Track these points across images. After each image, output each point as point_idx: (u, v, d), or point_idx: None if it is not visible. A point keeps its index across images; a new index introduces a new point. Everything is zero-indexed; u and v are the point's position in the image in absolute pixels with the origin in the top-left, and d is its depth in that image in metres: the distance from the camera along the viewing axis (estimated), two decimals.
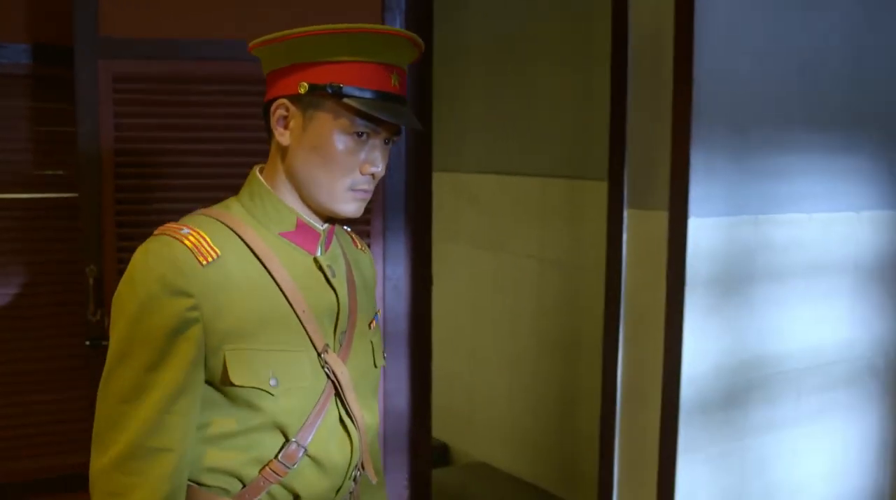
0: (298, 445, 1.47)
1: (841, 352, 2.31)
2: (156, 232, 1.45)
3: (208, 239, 1.43)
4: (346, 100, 1.42)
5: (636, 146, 2.13)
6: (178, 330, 1.40)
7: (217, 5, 2.66)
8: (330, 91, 1.42)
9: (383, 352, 1.65)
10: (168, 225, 1.45)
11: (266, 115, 1.49)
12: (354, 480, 1.56)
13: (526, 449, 3.62)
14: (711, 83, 2.00)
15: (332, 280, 1.52)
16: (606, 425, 2.22)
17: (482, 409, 3.78)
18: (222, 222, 1.48)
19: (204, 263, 1.41)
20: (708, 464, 2.11)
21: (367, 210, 2.85)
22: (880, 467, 2.44)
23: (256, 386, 1.43)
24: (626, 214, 2.16)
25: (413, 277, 2.96)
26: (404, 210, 2.91)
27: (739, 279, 2.09)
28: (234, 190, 2.68)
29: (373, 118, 1.43)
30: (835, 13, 2.19)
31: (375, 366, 1.62)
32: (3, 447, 2.83)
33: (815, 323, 2.25)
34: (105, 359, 1.59)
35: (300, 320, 1.48)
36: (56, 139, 2.85)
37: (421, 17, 2.92)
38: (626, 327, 2.18)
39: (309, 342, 1.48)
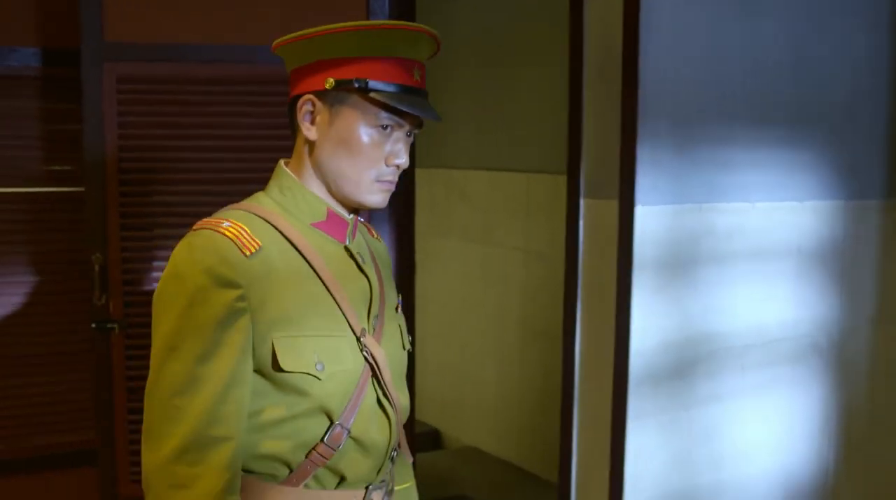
0: (342, 427, 1.50)
1: (785, 331, 2.50)
2: (194, 227, 1.49)
3: (248, 231, 1.47)
4: (371, 94, 1.46)
5: (591, 142, 2.33)
6: (228, 320, 1.43)
7: (215, 11, 2.86)
8: (356, 86, 1.47)
9: (408, 337, 1.70)
10: (206, 220, 1.49)
11: (291, 111, 1.54)
12: (392, 460, 1.61)
13: (512, 433, 3.76)
14: (657, 84, 2.19)
15: (364, 266, 1.58)
16: (566, 395, 2.41)
17: (472, 396, 3.92)
18: (257, 215, 1.52)
19: (248, 253, 1.44)
20: (656, 430, 2.30)
21: None
22: (824, 438, 2.62)
23: (305, 371, 1.46)
24: (582, 203, 2.35)
25: (398, 264, 3.15)
26: (388, 201, 3.09)
27: (685, 262, 2.28)
28: (231, 183, 2.93)
29: (397, 111, 1.49)
30: (778, 19, 2.37)
31: (404, 348, 1.68)
32: (15, 425, 3.03)
33: (759, 303, 2.43)
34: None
35: (339, 306, 1.52)
36: (64, 137, 3.06)
37: (404, 12, 3.11)
38: (583, 307, 2.37)
39: (348, 327, 1.52)
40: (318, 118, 1.51)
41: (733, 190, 2.35)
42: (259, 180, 2.97)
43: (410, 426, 2.58)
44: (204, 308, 1.41)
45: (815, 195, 2.49)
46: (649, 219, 2.21)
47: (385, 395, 1.56)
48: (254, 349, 1.44)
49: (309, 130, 1.52)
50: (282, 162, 1.61)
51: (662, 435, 2.31)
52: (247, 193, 2.76)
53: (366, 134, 1.50)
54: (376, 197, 1.52)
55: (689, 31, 2.22)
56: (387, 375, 1.56)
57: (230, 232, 1.45)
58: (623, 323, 2.22)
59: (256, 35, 2.87)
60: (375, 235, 1.76)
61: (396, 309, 1.68)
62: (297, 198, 1.55)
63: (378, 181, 1.51)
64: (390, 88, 1.48)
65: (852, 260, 2.60)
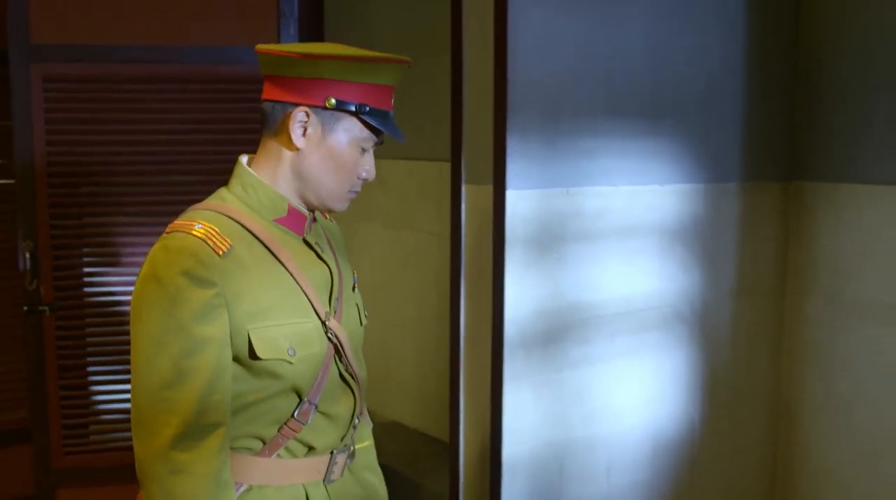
0: (311, 403, 1.67)
1: (650, 301, 2.78)
2: (168, 230, 1.60)
3: (218, 231, 1.58)
4: (366, 118, 1.65)
5: (470, 132, 2.60)
6: (207, 317, 1.54)
7: (138, 13, 3.08)
8: (355, 110, 1.64)
9: (365, 313, 1.87)
10: (178, 223, 1.60)
11: (270, 112, 1.66)
12: (354, 427, 1.79)
13: (429, 407, 3.99)
14: (526, 81, 2.46)
15: (322, 255, 1.74)
16: (453, 362, 2.68)
17: (395, 373, 4.14)
18: (224, 214, 1.63)
19: (220, 253, 1.56)
20: (531, 391, 2.57)
21: None
22: (689, 397, 2.91)
23: (279, 358, 1.61)
24: (463, 188, 2.62)
25: None
26: None
27: (553, 240, 2.55)
28: (155, 175, 3.17)
29: (378, 133, 1.69)
30: (638, 24, 2.65)
31: (361, 324, 1.85)
32: None
33: (626, 277, 2.72)
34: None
35: (305, 295, 1.67)
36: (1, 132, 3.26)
37: (313, 23, 3.36)
38: (466, 282, 2.64)
39: (314, 313, 1.68)
40: (309, 130, 1.65)
41: (598, 175, 2.62)
42: (183, 172, 3.25)
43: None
44: (185, 307, 1.53)
45: (675, 179, 2.77)
46: (520, 202, 2.48)
47: (347, 370, 1.75)
48: (231, 340, 1.58)
49: (298, 140, 1.64)
50: (242, 160, 1.72)
51: (537, 395, 2.59)
52: (170, 184, 3.10)
53: (353, 152, 1.68)
54: (344, 204, 1.72)
55: (556, 34, 2.50)
56: (349, 352, 1.73)
57: (202, 234, 1.56)
58: (498, 295, 2.50)
59: (179, 36, 3.11)
60: (328, 217, 1.92)
61: (353, 288, 1.86)
62: (259, 195, 1.68)
63: (350, 191, 1.71)
64: (379, 114, 1.67)
65: (713, 238, 2.89)
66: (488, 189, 2.53)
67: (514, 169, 2.46)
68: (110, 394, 3.19)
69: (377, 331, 4.19)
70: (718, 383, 2.96)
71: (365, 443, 1.95)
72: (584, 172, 2.60)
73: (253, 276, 1.61)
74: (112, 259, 3.13)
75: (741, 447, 3.04)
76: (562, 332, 2.61)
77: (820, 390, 3.00)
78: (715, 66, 2.82)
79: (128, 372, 3.14)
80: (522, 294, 2.51)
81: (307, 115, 1.64)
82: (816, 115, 2.96)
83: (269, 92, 1.67)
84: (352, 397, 1.77)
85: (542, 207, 2.53)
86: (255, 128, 3.25)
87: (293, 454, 1.70)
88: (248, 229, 1.64)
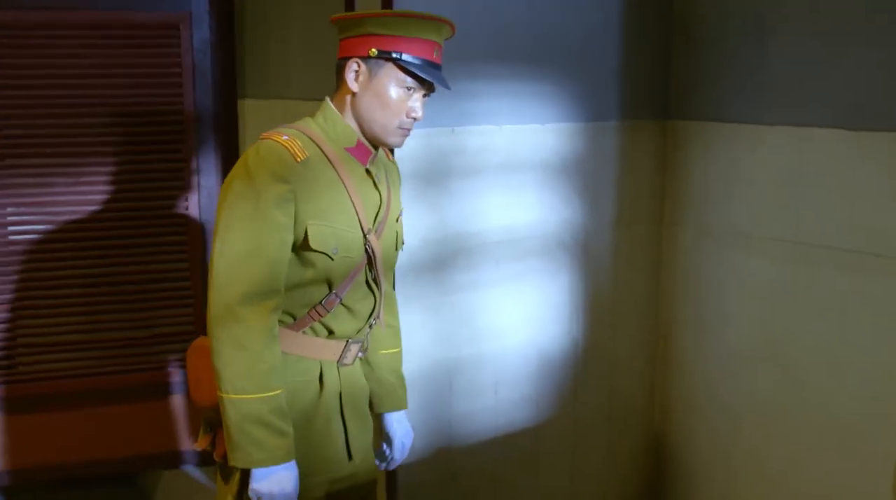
0: (337, 296, 2.13)
1: (533, 231, 3.02)
2: (262, 137, 2.07)
3: (300, 144, 2.04)
4: (403, 63, 2.05)
5: None
6: (281, 206, 2.00)
7: None
8: (393, 56, 2.05)
9: (402, 240, 2.32)
10: (270, 133, 2.07)
11: (339, 67, 2.11)
12: (370, 326, 2.24)
13: None
14: None
15: (378, 184, 2.18)
16: None
17: None
18: (306, 134, 2.09)
19: (298, 160, 2.01)
20: (422, 312, 2.82)
21: (181, 130, 3.50)
22: (573, 318, 3.18)
23: (324, 251, 2.06)
24: None
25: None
26: (213, 129, 3.53)
27: (439, 175, 2.78)
28: (65, 118, 3.32)
29: (417, 78, 2.07)
30: None
31: (396, 249, 2.29)
32: None
33: (509, 209, 2.95)
34: None
35: (356, 211, 2.11)
36: None
37: None
38: None
39: (359, 226, 2.12)
40: (360, 77, 2.08)
41: (481, 115, 2.85)
42: (84, 114, 3.41)
43: None
44: (265, 196, 1.98)
45: (556, 119, 3.01)
46: (408, 140, 2.70)
47: (374, 279, 2.18)
48: (293, 229, 2.02)
49: (353, 84, 2.08)
50: (327, 99, 2.16)
51: (427, 316, 2.84)
52: (72, 126, 3.29)
53: (394, 92, 2.07)
54: (397, 139, 2.13)
55: None
56: (379, 265, 2.17)
57: (287, 143, 2.02)
58: None
59: None
60: (391, 159, 2.32)
61: (397, 219, 2.28)
62: (336, 127, 2.12)
63: (399, 128, 2.11)
64: (416, 61, 2.06)
65: (593, 173, 3.14)
66: None
67: None
68: (37, 327, 3.39)
69: None
70: (600, 305, 3.24)
71: (393, 350, 2.44)
72: (468, 113, 2.82)
73: (319, 184, 2.05)
74: (32, 198, 3.32)
75: (622, 364, 3.33)
76: (449, 259, 2.85)
77: (692, 311, 3.30)
78: (594, 12, 3.04)
79: (53, 306, 3.36)
80: (412, 225, 2.74)
81: (358, 64, 2.08)
82: (688, 58, 3.21)
83: (339, 52, 2.12)
84: (373, 300, 2.20)
85: (429, 145, 2.76)
86: (169, 72, 3.43)
87: (316, 334, 2.15)
88: (322, 150, 2.07)
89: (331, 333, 2.17)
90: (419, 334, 2.82)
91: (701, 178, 3.20)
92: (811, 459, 2.94)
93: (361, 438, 2.27)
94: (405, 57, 2.06)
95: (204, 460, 3.74)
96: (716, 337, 3.23)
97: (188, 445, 3.81)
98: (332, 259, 2.07)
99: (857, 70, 2.69)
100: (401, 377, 2.46)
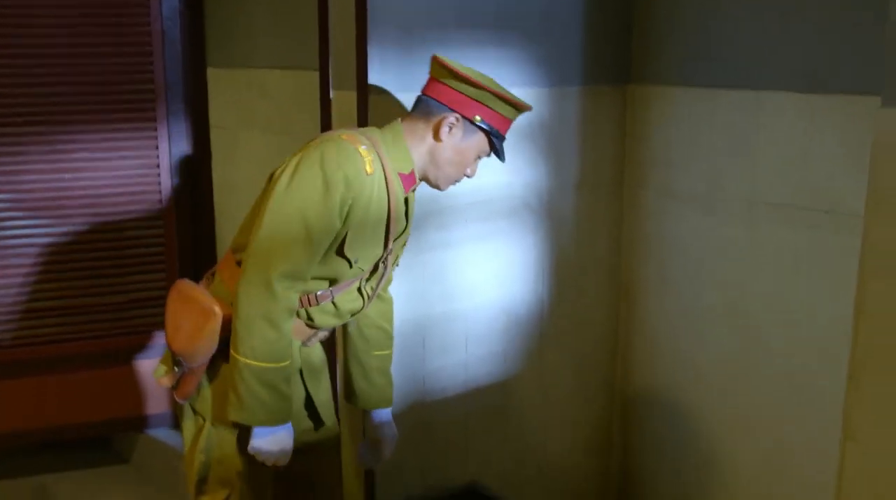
0: (331, 293, 2.32)
1: (500, 192, 3.11)
2: (344, 136, 2.21)
3: (371, 159, 2.19)
4: (495, 141, 2.32)
5: (335, 43, 2.89)
6: (341, 209, 2.16)
7: None
8: (489, 130, 2.30)
9: (398, 261, 2.52)
10: (350, 136, 2.22)
11: (425, 103, 2.31)
12: (347, 323, 2.50)
13: None
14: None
15: (408, 212, 2.37)
16: None
17: None
18: (376, 150, 2.23)
19: (367, 173, 2.17)
20: (396, 271, 2.91)
21: (151, 99, 3.55)
22: (538, 278, 3.29)
23: (350, 258, 2.25)
24: (332, 94, 2.92)
25: (194, 152, 3.65)
26: (182, 99, 3.59)
27: None
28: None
29: (496, 151, 2.34)
30: None
31: (394, 266, 2.50)
32: None
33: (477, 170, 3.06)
34: None
35: (387, 231, 2.29)
36: None
37: None
38: None
39: (383, 245, 2.32)
40: (453, 131, 2.28)
41: None
42: (55, 83, 3.46)
43: None
44: (332, 195, 2.13)
45: (520, 84, 3.09)
46: (380, 105, 2.79)
47: (367, 288, 2.42)
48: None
49: (445, 135, 2.28)
50: (400, 122, 2.35)
51: (401, 275, 2.92)
52: (44, 96, 3.35)
53: (474, 157, 2.35)
54: (447, 188, 2.40)
55: None
56: (375, 279, 2.41)
57: (364, 153, 2.18)
58: None
59: None
60: (413, 190, 2.44)
61: (404, 243, 2.49)
62: (400, 153, 2.29)
63: (456, 181, 2.39)
64: (501, 138, 2.34)
65: (557, 137, 3.24)
66: (352, 95, 2.83)
67: (375, 76, 2.77)
68: (10, 294, 3.44)
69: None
70: (565, 265, 3.35)
71: (386, 351, 2.64)
72: None
73: (372, 200, 2.21)
74: (4, 167, 3.37)
75: (586, 321, 3.46)
76: (421, 219, 2.93)
77: (654, 270, 3.43)
78: None
79: (27, 274, 3.40)
80: None
81: (457, 120, 2.28)
82: (649, 23, 3.32)
83: (433, 91, 2.32)
84: (360, 305, 2.41)
85: (400, 110, 2.84)
86: (139, 41, 3.46)
87: (299, 317, 2.34)
88: (384, 169, 2.23)
89: (310, 321, 2.37)
90: (395, 294, 2.91)
91: (661, 140, 3.32)
92: (768, 405, 3.10)
93: (321, 395, 2.53)
94: (497, 133, 2.32)
95: (178, 423, 3.81)
96: (677, 294, 3.36)
97: (163, 408, 3.89)
98: (350, 267, 2.27)
99: (811, 34, 2.82)
100: (389, 377, 2.67)
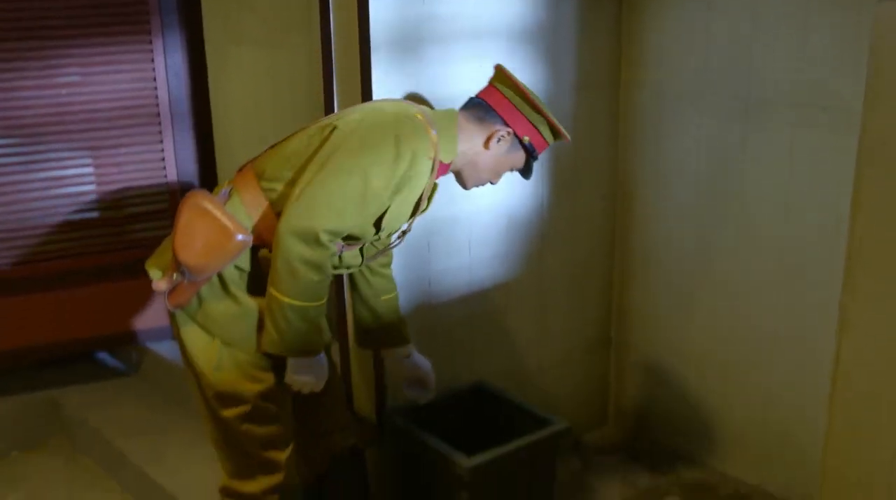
0: (341, 250, 2.40)
1: None
2: (417, 115, 2.39)
3: (433, 144, 2.35)
4: (532, 160, 2.55)
5: None
6: (397, 183, 2.31)
7: None
8: (530, 150, 2.52)
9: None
10: (423, 118, 2.39)
11: (485, 109, 2.49)
12: (348, 270, 2.57)
13: None
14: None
15: (432, 196, 2.49)
16: None
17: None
18: (433, 140, 2.37)
19: (429, 157, 2.34)
20: None
21: (146, 11, 3.52)
22: (538, 180, 3.31)
23: (379, 228, 2.39)
24: (330, 1, 2.91)
25: (190, 64, 3.64)
26: (177, 10, 3.57)
27: (413, 43, 2.87)
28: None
29: (527, 168, 2.57)
30: None
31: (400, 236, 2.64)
32: None
33: (477, 72, 2.98)
34: None
35: (414, 213, 2.46)
36: None
37: None
38: (337, 82, 2.96)
39: (407, 221, 2.49)
40: (501, 143, 2.48)
41: None
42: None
43: None
44: (398, 168, 2.29)
45: None
46: (381, 10, 2.79)
47: (368, 250, 2.57)
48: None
49: (493, 144, 2.49)
50: (459, 111, 2.52)
51: None
52: (38, 9, 3.31)
53: (505, 169, 2.57)
54: (473, 188, 2.60)
55: None
56: (380, 243, 2.61)
57: (433, 140, 2.36)
58: (367, 91, 2.84)
59: None
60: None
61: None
62: (448, 145, 2.43)
63: (482, 184, 2.59)
64: (537, 160, 2.57)
65: (554, 39, 3.24)
66: (353, 1, 2.83)
67: None
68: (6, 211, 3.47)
69: (250, 148, 4.46)
70: (563, 166, 3.40)
71: (392, 294, 2.78)
72: None
73: (419, 182, 2.37)
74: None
75: (584, 220, 3.52)
76: None
77: (649, 169, 3.48)
78: None
79: (23, 191, 3.40)
80: (388, 92, 2.86)
81: (508, 134, 2.48)
82: None
83: (492, 99, 2.51)
84: (358, 261, 2.55)
85: (403, 14, 2.84)
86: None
87: None
88: (435, 157, 2.38)
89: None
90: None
91: (656, 40, 3.34)
92: (763, 298, 3.19)
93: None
94: (536, 153, 2.53)
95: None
96: (673, 194, 3.42)
97: (165, 321, 3.94)
98: (375, 234, 2.42)
99: None
100: (401, 316, 2.81)
